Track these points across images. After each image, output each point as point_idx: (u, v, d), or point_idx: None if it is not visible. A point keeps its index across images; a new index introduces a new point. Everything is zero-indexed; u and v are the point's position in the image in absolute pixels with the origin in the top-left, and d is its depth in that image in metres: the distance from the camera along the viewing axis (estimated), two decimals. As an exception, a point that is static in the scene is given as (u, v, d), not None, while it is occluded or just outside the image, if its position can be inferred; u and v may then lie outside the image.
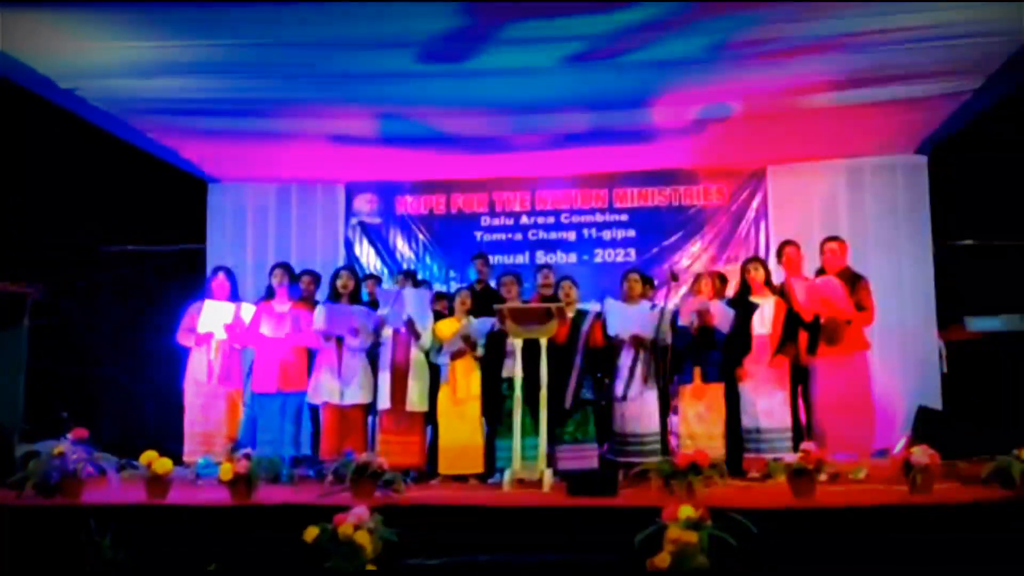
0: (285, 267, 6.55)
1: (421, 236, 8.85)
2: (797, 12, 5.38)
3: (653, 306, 5.99)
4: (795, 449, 4.99)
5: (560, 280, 6.23)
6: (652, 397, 5.81)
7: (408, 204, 8.89)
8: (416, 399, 6.10)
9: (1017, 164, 7.20)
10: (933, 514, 4.10)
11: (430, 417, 6.18)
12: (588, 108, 6.96)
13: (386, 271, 8.64)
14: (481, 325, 6.09)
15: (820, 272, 6.08)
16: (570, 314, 5.99)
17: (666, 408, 5.82)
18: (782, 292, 6.06)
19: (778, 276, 6.32)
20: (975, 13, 5.37)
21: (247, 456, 4.74)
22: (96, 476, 4.87)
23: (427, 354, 6.18)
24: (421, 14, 5.32)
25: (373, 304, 6.41)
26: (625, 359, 5.95)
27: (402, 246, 8.89)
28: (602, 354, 6.02)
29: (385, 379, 6.08)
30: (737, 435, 5.83)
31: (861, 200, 8.16)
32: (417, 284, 6.86)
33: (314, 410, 6.30)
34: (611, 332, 5.92)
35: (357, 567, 3.77)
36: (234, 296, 6.42)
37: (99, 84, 6.37)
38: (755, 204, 8.46)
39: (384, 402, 6.04)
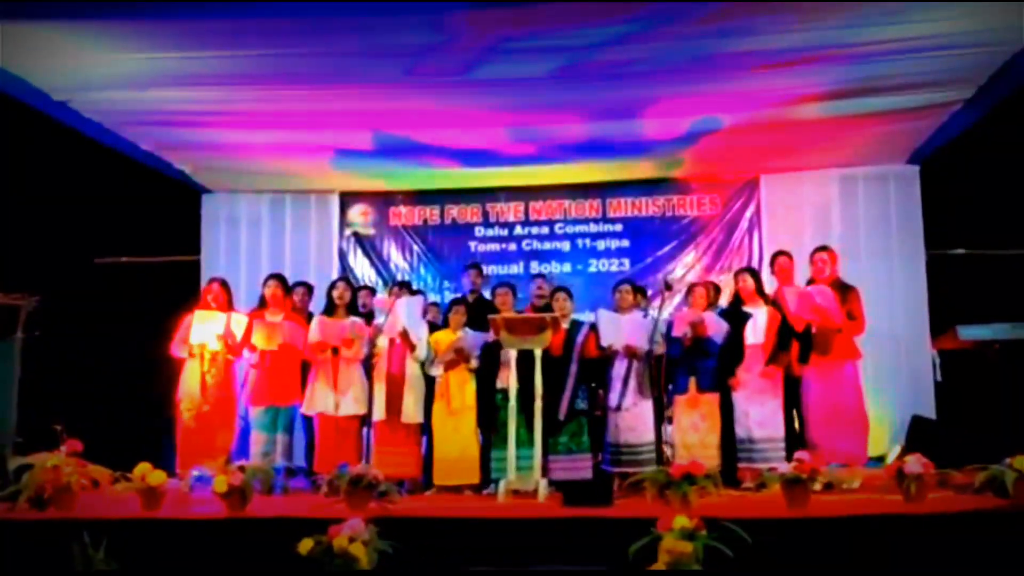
0: (278, 278, 6.55)
1: (415, 247, 8.86)
2: (788, 23, 5.40)
3: (645, 315, 6.00)
4: (788, 459, 5.00)
5: (554, 292, 6.24)
6: (647, 407, 5.82)
7: (402, 215, 8.90)
8: (411, 410, 6.11)
9: (1008, 173, 7.25)
10: (927, 523, 4.10)
11: (426, 428, 6.18)
12: (581, 119, 6.98)
13: (380, 282, 8.63)
14: (475, 338, 6.10)
15: (811, 282, 6.10)
16: (564, 325, 6.00)
17: (660, 418, 5.83)
18: (775, 301, 6.08)
19: (771, 285, 6.33)
20: (966, 24, 5.39)
21: (241, 468, 4.73)
22: (90, 489, 4.85)
23: (423, 365, 6.18)
24: (412, 26, 5.35)
25: (368, 315, 6.41)
26: (619, 369, 5.96)
27: (396, 257, 8.89)
28: (596, 365, 6.03)
29: (381, 390, 6.08)
30: (731, 445, 5.84)
31: (854, 209, 8.20)
32: (412, 294, 6.87)
33: (309, 421, 6.30)
34: (604, 343, 5.93)
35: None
36: (230, 306, 6.41)
37: (93, 96, 6.38)
38: (748, 214, 8.48)
39: (379, 413, 6.04)
